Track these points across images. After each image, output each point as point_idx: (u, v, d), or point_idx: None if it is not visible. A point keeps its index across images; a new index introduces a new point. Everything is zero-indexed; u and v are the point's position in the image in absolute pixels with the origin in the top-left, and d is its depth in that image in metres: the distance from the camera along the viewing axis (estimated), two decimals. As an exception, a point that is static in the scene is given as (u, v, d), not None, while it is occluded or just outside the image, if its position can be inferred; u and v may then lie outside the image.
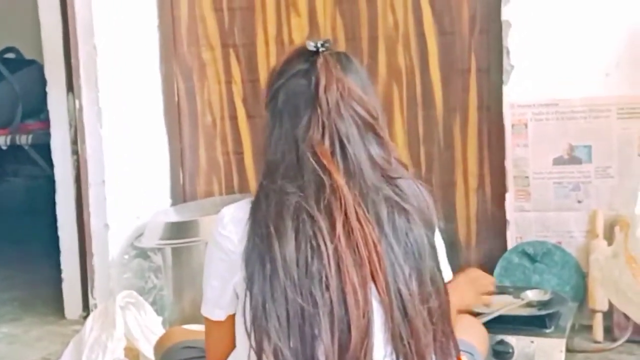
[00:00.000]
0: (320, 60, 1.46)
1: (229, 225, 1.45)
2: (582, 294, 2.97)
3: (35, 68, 4.50)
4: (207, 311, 1.52)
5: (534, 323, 2.57)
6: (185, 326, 2.22)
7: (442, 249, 1.56)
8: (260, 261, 1.38)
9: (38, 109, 4.45)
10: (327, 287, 1.35)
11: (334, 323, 1.35)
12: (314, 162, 1.42)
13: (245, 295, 1.40)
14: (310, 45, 1.48)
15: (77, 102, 3.28)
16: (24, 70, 4.56)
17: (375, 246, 1.39)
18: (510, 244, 3.10)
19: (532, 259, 3.05)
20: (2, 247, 4.59)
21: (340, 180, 1.40)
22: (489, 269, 3.10)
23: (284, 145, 1.45)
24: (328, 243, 1.36)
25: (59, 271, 3.45)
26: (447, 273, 1.56)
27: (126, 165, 3.35)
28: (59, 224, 3.44)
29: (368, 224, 1.39)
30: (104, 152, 3.27)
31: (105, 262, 3.27)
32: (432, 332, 1.42)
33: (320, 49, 1.47)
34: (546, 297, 2.71)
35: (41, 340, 3.22)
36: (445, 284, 1.49)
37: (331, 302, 1.35)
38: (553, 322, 2.59)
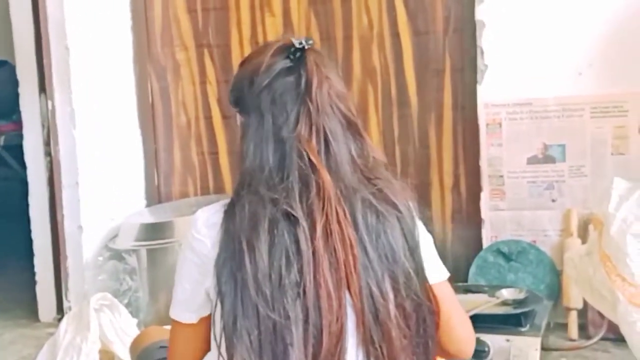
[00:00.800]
0: (310, 58, 1.44)
1: (202, 229, 1.42)
2: (556, 292, 2.99)
3: (7, 69, 4.45)
4: (176, 314, 1.48)
5: (509, 321, 2.58)
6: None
7: (430, 249, 1.52)
8: (231, 277, 1.36)
9: (10, 110, 4.41)
10: (303, 294, 1.34)
11: (307, 331, 1.34)
12: (300, 160, 1.39)
13: (216, 306, 1.39)
14: (297, 42, 1.46)
15: (49, 103, 3.25)
16: (-5, 72, 4.52)
17: (352, 248, 1.37)
18: (485, 243, 3.12)
19: (507, 257, 3.06)
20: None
21: (327, 177, 1.38)
22: (464, 267, 3.12)
23: (267, 147, 1.41)
24: (309, 244, 1.35)
25: (33, 274, 3.42)
26: (437, 272, 1.51)
27: (100, 166, 3.33)
28: (32, 226, 3.41)
29: (347, 225, 1.38)
30: (78, 154, 3.24)
31: (80, 264, 3.25)
32: (408, 336, 1.41)
33: (307, 46, 1.46)
34: (521, 296, 2.73)
35: (15, 344, 3.19)
36: (426, 286, 1.44)
37: (306, 309, 1.34)
38: (528, 320, 2.60)
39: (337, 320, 1.34)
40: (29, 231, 3.43)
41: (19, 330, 3.32)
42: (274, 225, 1.36)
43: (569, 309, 2.92)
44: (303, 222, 1.36)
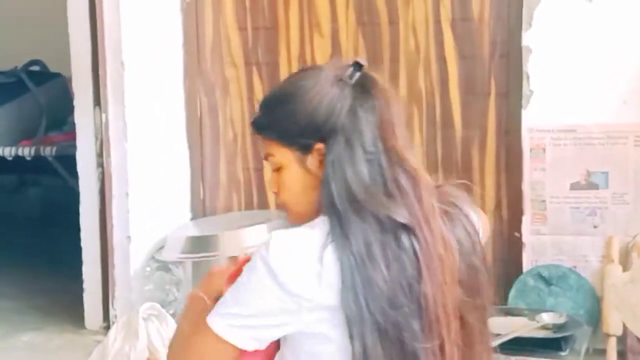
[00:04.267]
0: (373, 75, 1.53)
1: (296, 267, 1.38)
2: (596, 318, 3.00)
3: (60, 81, 4.58)
4: (230, 334, 1.40)
5: (549, 345, 2.60)
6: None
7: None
8: (356, 302, 1.36)
9: (61, 122, 4.52)
10: (424, 305, 1.39)
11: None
12: (394, 170, 1.45)
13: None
14: (362, 62, 1.51)
15: (103, 116, 3.34)
16: (49, 83, 4.62)
17: (452, 251, 1.45)
18: (526, 267, 3.14)
19: (547, 282, 3.09)
20: (23, 256, 4.65)
21: (427, 179, 1.47)
22: (504, 290, 3.15)
23: (360, 166, 1.46)
24: (423, 251, 1.40)
25: (80, 281, 3.50)
26: None
27: (149, 178, 3.41)
28: (82, 235, 3.48)
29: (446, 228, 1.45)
30: (128, 166, 3.32)
31: (127, 273, 3.32)
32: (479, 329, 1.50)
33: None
34: (561, 320, 2.74)
35: (62, 350, 3.27)
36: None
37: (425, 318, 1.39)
38: (568, 345, 2.62)
39: (449, 328, 1.41)
40: (78, 239, 3.51)
41: (66, 336, 3.40)
42: (386, 240, 1.40)
43: (608, 335, 2.93)
44: (416, 230, 1.40)
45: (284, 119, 1.50)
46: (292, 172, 1.51)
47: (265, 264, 1.39)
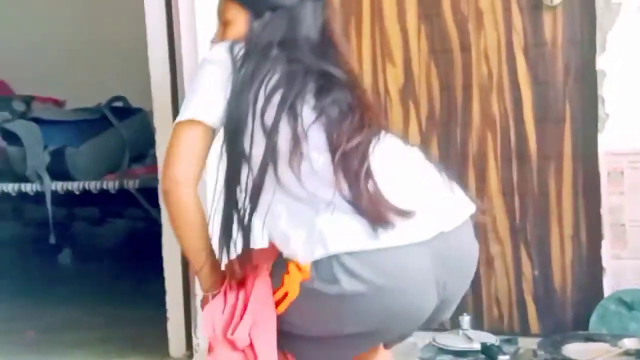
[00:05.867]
0: None
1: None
2: (680, 344, 2.94)
3: (141, 116, 4.72)
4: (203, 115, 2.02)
5: (631, 372, 2.58)
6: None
7: None
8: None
9: (143, 155, 4.66)
10: None
11: None
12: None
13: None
14: None
15: (183, 149, 3.42)
16: (131, 118, 4.77)
17: None
18: (607, 292, 3.11)
19: (629, 306, 3.05)
20: (107, 286, 4.78)
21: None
22: (584, 316, 3.12)
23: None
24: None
25: (164, 311, 3.58)
26: None
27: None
28: (164, 264, 3.57)
29: None
30: (208, 197, 3.40)
31: (208, 302, 3.39)
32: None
33: None
34: (644, 346, 2.71)
35: (147, 377, 3.36)
36: None
37: None
38: (651, 371, 2.59)
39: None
40: (161, 269, 3.60)
41: (150, 364, 3.50)
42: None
43: (693, 361, 2.88)
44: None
45: None
46: (237, 27, 2.00)
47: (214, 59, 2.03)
